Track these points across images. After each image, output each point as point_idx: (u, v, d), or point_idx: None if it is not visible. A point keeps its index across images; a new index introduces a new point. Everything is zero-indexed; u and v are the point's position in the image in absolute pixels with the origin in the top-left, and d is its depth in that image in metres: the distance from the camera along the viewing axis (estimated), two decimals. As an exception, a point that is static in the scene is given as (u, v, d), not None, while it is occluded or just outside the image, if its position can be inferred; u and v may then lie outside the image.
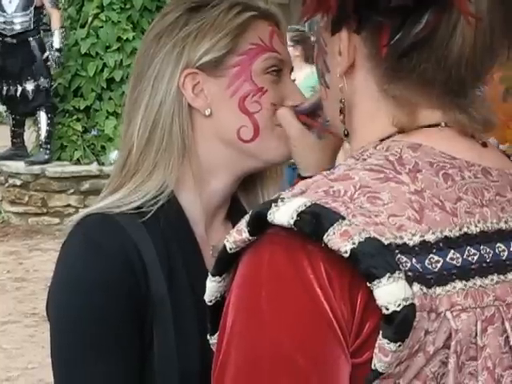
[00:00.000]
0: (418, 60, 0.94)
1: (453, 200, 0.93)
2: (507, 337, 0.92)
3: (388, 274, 0.84)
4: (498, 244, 0.94)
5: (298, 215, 0.86)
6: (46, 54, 8.47)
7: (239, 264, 0.91)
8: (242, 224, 0.91)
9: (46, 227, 8.36)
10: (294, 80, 1.40)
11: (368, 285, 0.85)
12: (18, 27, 8.43)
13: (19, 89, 8.56)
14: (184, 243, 1.35)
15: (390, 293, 0.84)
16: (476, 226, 0.93)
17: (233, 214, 1.43)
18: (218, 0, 1.36)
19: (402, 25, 0.93)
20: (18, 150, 8.92)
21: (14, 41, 8.42)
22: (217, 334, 0.96)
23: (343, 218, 0.86)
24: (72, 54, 8.72)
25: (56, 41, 8.46)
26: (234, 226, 1.41)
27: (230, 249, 0.91)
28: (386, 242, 0.86)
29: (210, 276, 0.96)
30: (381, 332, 0.85)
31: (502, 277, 0.93)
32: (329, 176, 0.93)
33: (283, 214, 0.87)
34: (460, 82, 0.96)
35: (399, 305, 0.84)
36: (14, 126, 9.00)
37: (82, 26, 8.80)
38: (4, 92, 8.68)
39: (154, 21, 1.40)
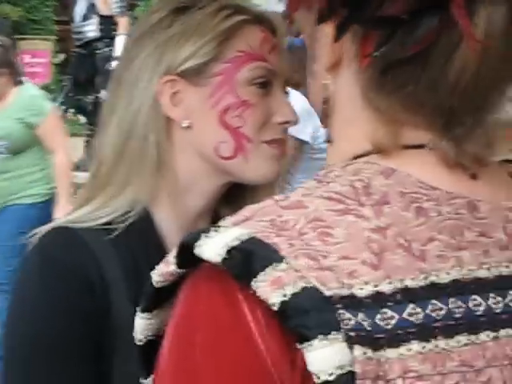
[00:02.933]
0: (407, 79, 0.80)
1: (423, 240, 0.77)
2: None
3: (321, 336, 0.69)
4: (474, 296, 0.78)
5: (227, 252, 0.72)
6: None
7: (176, 301, 0.78)
8: (172, 254, 0.78)
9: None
10: (286, 93, 1.26)
11: (298, 346, 0.70)
12: (84, 36, 8.44)
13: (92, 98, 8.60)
14: (156, 262, 1.22)
15: (323, 358, 0.69)
16: (448, 274, 0.77)
17: None
18: (206, 1, 1.23)
19: (391, 36, 0.79)
20: (89, 160, 8.96)
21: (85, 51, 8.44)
22: (150, 378, 0.84)
23: (280, 260, 0.72)
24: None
25: (118, 49, 8.31)
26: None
27: (157, 282, 0.79)
28: (327, 293, 0.71)
29: (138, 312, 0.83)
30: None
31: (472, 337, 0.77)
32: (280, 202, 0.78)
33: (212, 248, 0.73)
34: (451, 112, 0.81)
35: (331, 374, 0.69)
36: (87, 136, 9.06)
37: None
38: (83, 102, 8.74)
39: (139, 21, 1.29)
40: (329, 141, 0.89)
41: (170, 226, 1.26)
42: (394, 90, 0.81)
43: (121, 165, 1.23)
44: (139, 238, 1.23)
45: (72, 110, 9.18)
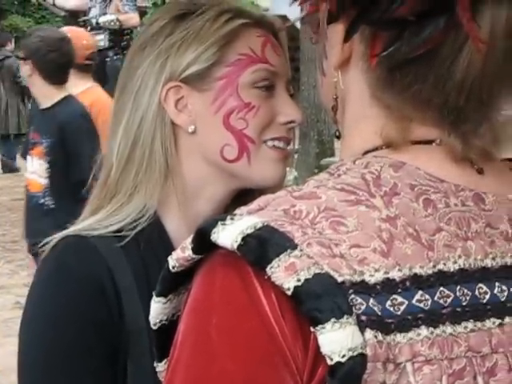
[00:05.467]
0: (415, 78, 0.82)
1: (431, 231, 0.79)
2: None
3: (333, 319, 0.72)
4: (480, 285, 0.80)
5: (243, 239, 0.75)
6: None
7: (192, 286, 0.80)
8: (188, 240, 0.80)
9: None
10: (291, 94, 1.28)
11: (311, 330, 0.73)
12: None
13: None
14: None
15: (335, 341, 0.72)
16: (455, 263, 0.79)
17: None
18: (206, 6, 1.25)
19: (399, 37, 0.81)
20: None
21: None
22: (164, 361, 0.87)
23: (294, 247, 0.74)
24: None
25: None
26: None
27: (173, 267, 0.81)
28: (339, 279, 0.74)
29: (154, 296, 0.85)
30: None
31: (478, 324, 0.79)
32: (293, 192, 0.81)
33: (228, 235, 0.76)
34: (458, 109, 0.83)
35: (344, 355, 0.71)
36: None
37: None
38: None
39: (141, 30, 1.31)
40: (338, 137, 0.92)
41: (179, 232, 1.27)
42: (403, 89, 0.83)
43: (129, 172, 1.25)
44: (150, 244, 1.25)
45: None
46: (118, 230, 1.24)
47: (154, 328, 0.87)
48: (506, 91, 0.85)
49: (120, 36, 8.42)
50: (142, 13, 9.09)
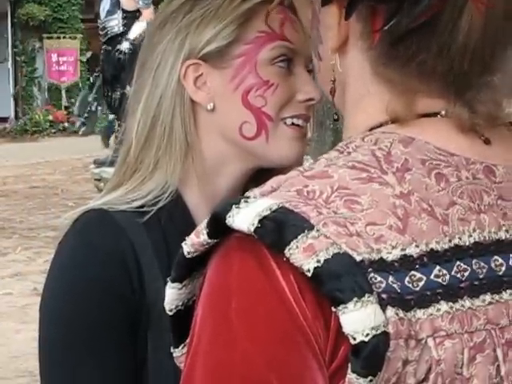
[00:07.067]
0: (418, 48, 0.82)
1: (445, 205, 0.80)
2: (498, 365, 0.79)
3: (355, 299, 0.72)
4: (495, 257, 0.81)
5: (259, 221, 0.75)
6: None
7: (208, 270, 0.80)
8: (202, 225, 0.80)
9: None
10: (309, 71, 1.28)
11: (333, 310, 0.73)
12: (109, 32, 8.44)
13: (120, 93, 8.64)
14: None
15: (358, 320, 0.72)
16: (470, 236, 0.80)
17: None
18: None
19: (399, 9, 0.81)
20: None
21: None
22: (181, 346, 0.87)
23: (311, 228, 0.74)
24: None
25: (133, 31, 8.26)
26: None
27: (188, 253, 0.81)
28: (358, 258, 0.74)
29: (168, 282, 0.86)
30: (349, 365, 0.73)
31: (496, 296, 0.80)
32: (305, 172, 0.81)
33: (244, 218, 0.76)
34: (463, 75, 0.84)
35: (367, 334, 0.72)
36: (118, 131, 9.12)
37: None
38: (110, 97, 8.79)
39: (160, 7, 1.31)
40: (336, 120, 0.93)
41: (200, 209, 1.28)
42: (406, 61, 0.83)
43: (149, 150, 1.26)
44: (171, 220, 1.25)
45: (99, 108, 9.22)
46: (140, 206, 1.25)
47: (170, 314, 0.87)
48: (506, 52, 0.86)
49: (134, 19, 8.38)
50: (158, 1, 9.08)
